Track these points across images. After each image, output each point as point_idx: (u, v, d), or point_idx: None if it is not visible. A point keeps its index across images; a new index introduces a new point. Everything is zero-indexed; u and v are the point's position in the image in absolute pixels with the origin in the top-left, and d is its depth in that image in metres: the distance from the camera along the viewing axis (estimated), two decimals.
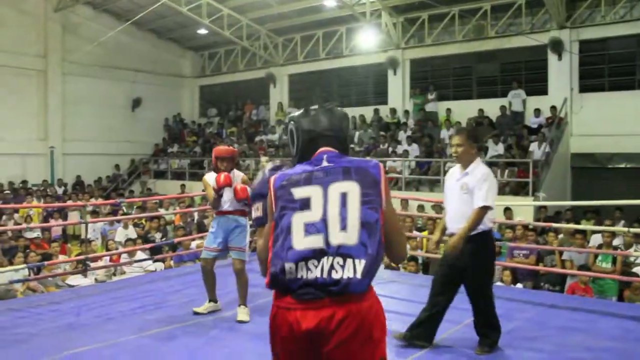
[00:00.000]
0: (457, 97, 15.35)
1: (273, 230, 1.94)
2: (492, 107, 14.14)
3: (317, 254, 1.85)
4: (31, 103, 17.19)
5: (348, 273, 1.83)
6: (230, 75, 20.47)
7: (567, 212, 10.71)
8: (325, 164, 2.00)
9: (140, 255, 8.65)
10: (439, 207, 9.79)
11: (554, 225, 7.27)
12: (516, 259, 7.95)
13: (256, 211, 2.26)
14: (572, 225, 8.09)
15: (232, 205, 4.98)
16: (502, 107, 13.89)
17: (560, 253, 7.82)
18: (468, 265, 4.03)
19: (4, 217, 12.56)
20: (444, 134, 14.03)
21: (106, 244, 10.19)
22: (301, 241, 1.87)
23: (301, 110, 2.18)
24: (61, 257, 8.93)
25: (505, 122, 13.75)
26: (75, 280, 8.04)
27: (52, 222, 12.12)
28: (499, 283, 7.58)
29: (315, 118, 2.11)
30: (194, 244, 8.86)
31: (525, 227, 8.11)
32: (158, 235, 10.75)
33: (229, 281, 5.25)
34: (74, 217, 13.01)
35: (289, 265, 1.86)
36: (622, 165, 12.75)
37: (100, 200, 13.14)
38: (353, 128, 16.21)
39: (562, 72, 13.28)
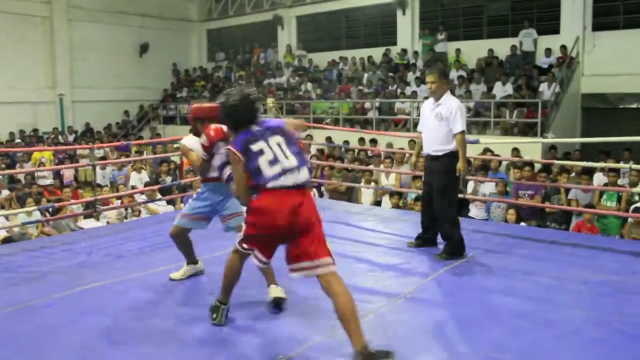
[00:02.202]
0: (467, 37, 15.08)
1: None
2: (502, 47, 13.90)
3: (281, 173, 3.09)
4: (38, 51, 17.16)
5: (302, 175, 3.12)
6: (237, 18, 20.20)
7: (575, 152, 10.65)
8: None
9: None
10: None
11: (557, 162, 7.24)
12: (521, 200, 7.98)
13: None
14: (574, 163, 8.06)
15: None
16: (513, 47, 13.63)
17: (567, 192, 7.85)
18: (437, 178, 4.81)
19: (17, 166, 12.79)
20: (453, 74, 13.85)
21: (116, 188, 10.35)
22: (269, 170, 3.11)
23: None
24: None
25: (515, 62, 13.53)
26: (88, 224, 8.25)
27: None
28: (502, 222, 7.66)
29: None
30: None
31: (531, 165, 8.12)
32: (168, 179, 10.89)
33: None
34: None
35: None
36: (634, 106, 12.56)
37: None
38: (362, 70, 16.09)
39: (575, 10, 12.94)
